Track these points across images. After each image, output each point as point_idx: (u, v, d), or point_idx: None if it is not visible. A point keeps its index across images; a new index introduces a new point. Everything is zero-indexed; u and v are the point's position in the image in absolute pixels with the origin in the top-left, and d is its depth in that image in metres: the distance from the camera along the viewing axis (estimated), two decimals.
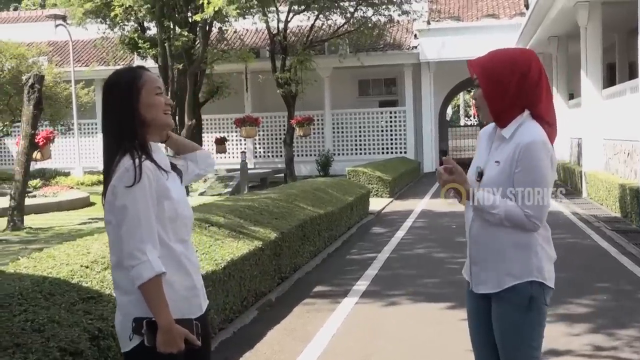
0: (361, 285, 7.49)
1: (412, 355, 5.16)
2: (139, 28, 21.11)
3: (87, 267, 4.54)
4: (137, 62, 24.94)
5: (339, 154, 26.54)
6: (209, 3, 16.69)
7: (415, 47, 26.54)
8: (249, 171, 21.62)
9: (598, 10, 16.16)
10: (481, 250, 2.86)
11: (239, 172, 19.35)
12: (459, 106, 61.66)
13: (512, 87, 2.72)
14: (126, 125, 2.45)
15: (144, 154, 2.43)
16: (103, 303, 3.97)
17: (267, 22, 22.36)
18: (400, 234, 11.22)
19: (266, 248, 6.85)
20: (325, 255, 9.34)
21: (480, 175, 2.82)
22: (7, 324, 3.55)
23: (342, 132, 27.08)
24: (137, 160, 2.38)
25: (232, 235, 6.62)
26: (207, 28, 20.32)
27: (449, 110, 53.56)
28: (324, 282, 7.68)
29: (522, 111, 2.77)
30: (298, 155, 26.12)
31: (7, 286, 4.02)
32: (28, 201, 13.14)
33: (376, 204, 15.28)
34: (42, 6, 42.09)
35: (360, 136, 27.02)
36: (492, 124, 2.90)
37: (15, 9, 49.38)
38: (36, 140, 12.49)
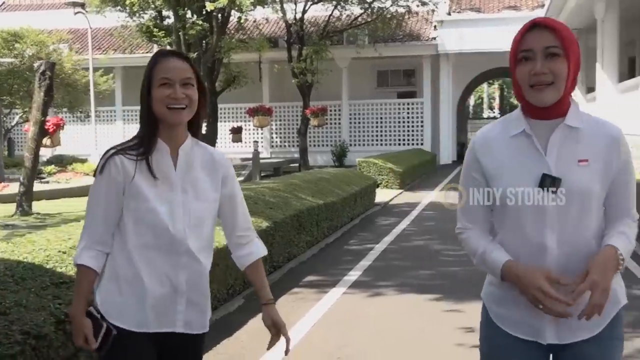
0: (352, 275, 7.51)
1: (386, 346, 5.17)
2: (158, 17, 21.23)
3: (64, 253, 4.57)
4: (155, 50, 25.12)
5: (355, 145, 26.50)
6: None
7: (435, 39, 26.38)
8: (264, 161, 21.71)
9: (615, 3, 15.95)
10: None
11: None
12: (482, 98, 61.20)
13: (579, 66, 2.21)
14: (141, 118, 2.38)
15: (142, 147, 2.34)
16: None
17: (283, 11, 22.37)
18: (402, 225, 11.21)
19: None
20: (323, 246, 9.38)
21: (552, 183, 2.08)
22: None
23: (359, 122, 27.02)
24: (110, 152, 2.37)
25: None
26: (225, 17, 20.39)
27: (472, 102, 53.27)
28: (316, 272, 7.72)
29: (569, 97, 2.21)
30: (314, 146, 26.15)
31: None
32: (39, 187, 13.32)
33: (385, 195, 15.28)
34: None
35: (377, 127, 26.94)
36: (494, 128, 2.26)
37: None
38: (46, 127, 12.63)
